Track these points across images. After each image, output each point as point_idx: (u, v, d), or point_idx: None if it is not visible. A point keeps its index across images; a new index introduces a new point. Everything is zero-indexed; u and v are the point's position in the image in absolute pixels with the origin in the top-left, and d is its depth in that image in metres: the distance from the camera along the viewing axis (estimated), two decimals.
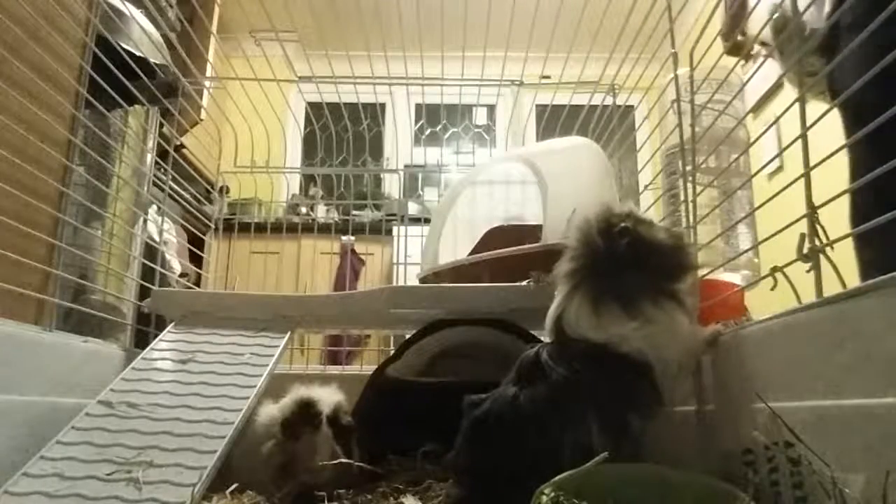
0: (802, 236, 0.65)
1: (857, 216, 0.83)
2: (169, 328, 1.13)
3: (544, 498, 0.51)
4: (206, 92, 2.04)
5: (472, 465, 0.72)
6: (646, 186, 1.56)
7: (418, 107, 3.58)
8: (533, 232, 1.21)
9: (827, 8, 0.95)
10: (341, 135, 1.93)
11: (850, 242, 0.78)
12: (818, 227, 0.65)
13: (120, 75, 1.20)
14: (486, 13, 1.50)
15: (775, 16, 1.02)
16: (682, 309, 0.72)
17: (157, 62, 1.44)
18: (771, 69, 2.18)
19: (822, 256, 0.64)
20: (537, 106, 1.96)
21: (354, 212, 3.09)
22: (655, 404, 0.71)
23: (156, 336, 1.11)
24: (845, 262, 0.73)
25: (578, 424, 0.66)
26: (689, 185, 0.98)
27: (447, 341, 1.14)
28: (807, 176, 0.67)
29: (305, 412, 0.86)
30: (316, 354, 1.94)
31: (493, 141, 3.95)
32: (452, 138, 3.35)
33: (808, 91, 0.77)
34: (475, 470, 0.72)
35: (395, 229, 2.65)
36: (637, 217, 0.77)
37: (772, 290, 0.73)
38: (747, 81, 1.24)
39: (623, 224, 0.74)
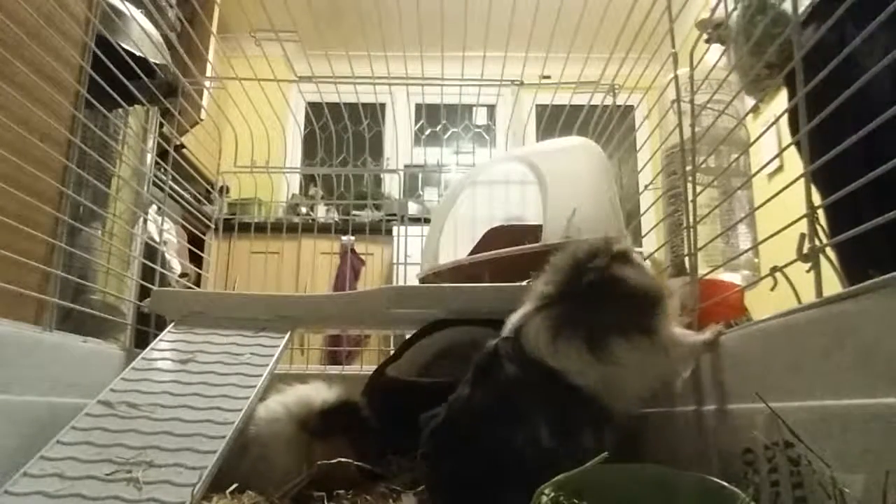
0: (802, 236, 0.65)
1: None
2: (169, 328, 1.13)
3: (544, 498, 0.50)
4: (206, 92, 2.04)
5: (441, 479, 0.72)
6: (646, 186, 1.56)
7: (418, 107, 3.59)
8: (533, 232, 1.21)
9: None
10: (341, 135, 1.93)
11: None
12: (818, 227, 0.65)
13: (120, 75, 1.20)
14: (486, 13, 1.50)
15: None
16: (646, 351, 0.70)
17: (157, 62, 1.44)
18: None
19: (821, 256, 0.64)
20: (537, 106, 1.96)
21: (354, 212, 3.09)
22: (606, 423, 0.70)
23: (156, 336, 1.11)
24: None
25: (529, 421, 0.66)
26: (689, 185, 0.98)
27: (447, 341, 1.14)
28: (807, 176, 0.67)
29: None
30: (316, 354, 1.94)
31: (493, 141, 3.95)
32: (452, 138, 3.34)
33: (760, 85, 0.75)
34: (445, 483, 0.71)
35: (395, 229, 2.65)
36: (621, 255, 0.74)
37: (772, 290, 0.73)
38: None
39: (596, 263, 0.72)
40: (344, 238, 2.90)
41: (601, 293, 0.72)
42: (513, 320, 0.76)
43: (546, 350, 0.70)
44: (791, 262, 0.68)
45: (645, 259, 1.34)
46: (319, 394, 0.93)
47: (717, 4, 1.02)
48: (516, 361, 0.71)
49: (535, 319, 0.73)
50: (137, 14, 1.41)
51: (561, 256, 0.77)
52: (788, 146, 0.73)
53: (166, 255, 1.67)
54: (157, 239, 1.57)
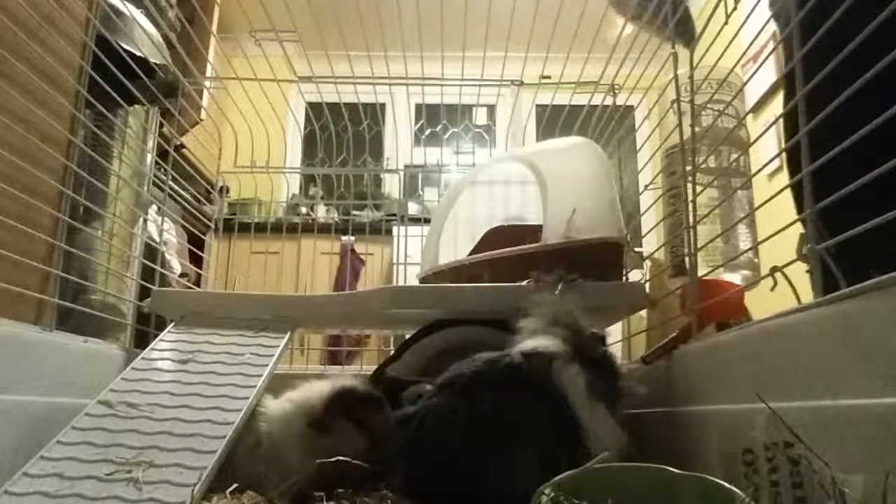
0: (802, 236, 0.65)
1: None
2: (169, 328, 1.12)
3: (544, 498, 0.50)
4: (206, 92, 2.04)
5: (410, 488, 0.72)
6: (646, 186, 1.56)
7: (418, 107, 3.58)
8: (533, 232, 1.21)
9: None
10: (341, 135, 1.93)
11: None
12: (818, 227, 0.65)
13: (120, 75, 1.20)
14: (486, 13, 1.50)
15: None
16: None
17: (157, 62, 1.44)
18: (771, 69, 2.18)
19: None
20: (537, 106, 1.95)
21: (354, 212, 3.09)
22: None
23: (156, 336, 1.11)
24: None
25: (524, 455, 0.67)
26: (689, 185, 0.98)
27: (447, 341, 1.14)
28: (807, 176, 0.67)
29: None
30: (316, 354, 1.94)
31: (493, 141, 3.95)
32: (452, 138, 3.34)
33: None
34: (417, 490, 0.71)
35: (395, 229, 2.65)
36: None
37: (772, 290, 0.73)
38: (747, 81, 1.24)
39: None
40: (344, 238, 2.90)
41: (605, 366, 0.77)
42: (531, 347, 0.77)
43: (581, 407, 0.72)
44: (791, 262, 0.68)
45: (645, 259, 1.34)
46: (322, 388, 0.93)
47: None
48: (541, 398, 0.71)
49: (572, 367, 0.74)
50: (137, 14, 1.41)
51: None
52: (788, 146, 0.73)
53: (166, 255, 1.67)
54: (157, 239, 1.57)
